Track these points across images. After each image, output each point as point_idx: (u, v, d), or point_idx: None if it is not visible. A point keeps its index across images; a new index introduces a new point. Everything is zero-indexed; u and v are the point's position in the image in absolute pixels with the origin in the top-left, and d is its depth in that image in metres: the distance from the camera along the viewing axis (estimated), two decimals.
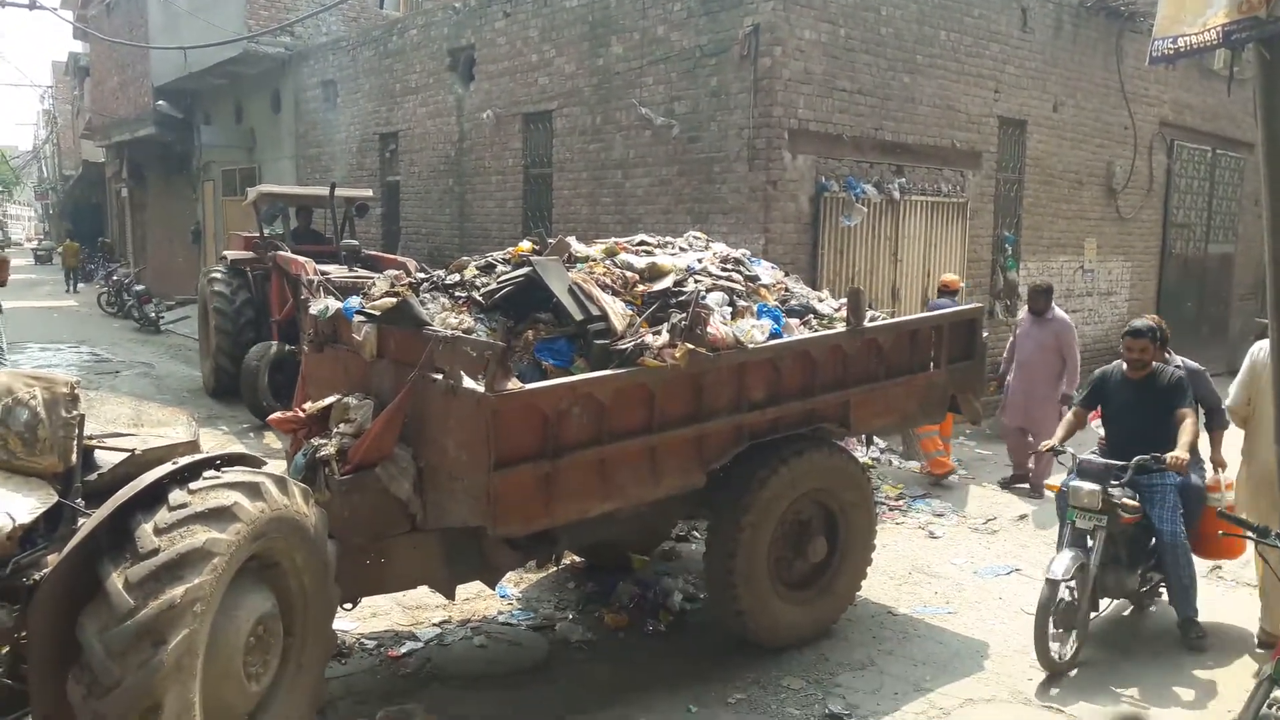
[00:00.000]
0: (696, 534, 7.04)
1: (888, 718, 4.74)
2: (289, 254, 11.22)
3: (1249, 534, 3.71)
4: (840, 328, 5.64)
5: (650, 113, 10.20)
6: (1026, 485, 8.72)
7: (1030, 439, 8.51)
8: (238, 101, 20.41)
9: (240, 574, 3.62)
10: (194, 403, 11.36)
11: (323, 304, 5.67)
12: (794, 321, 5.67)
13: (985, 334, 6.61)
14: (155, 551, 3.27)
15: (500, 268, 5.58)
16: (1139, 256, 13.95)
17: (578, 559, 6.50)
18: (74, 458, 3.71)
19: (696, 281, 5.47)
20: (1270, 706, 3.56)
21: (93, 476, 3.79)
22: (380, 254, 12.47)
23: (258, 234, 12.34)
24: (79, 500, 3.68)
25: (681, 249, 6.25)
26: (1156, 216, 14.11)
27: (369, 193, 13.62)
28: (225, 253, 13.06)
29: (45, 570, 3.36)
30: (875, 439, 8.20)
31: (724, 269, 5.91)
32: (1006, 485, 8.90)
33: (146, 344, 17.82)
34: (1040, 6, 11.60)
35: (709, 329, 4.99)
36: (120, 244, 30.97)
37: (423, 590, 5.60)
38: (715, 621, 5.54)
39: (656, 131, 10.18)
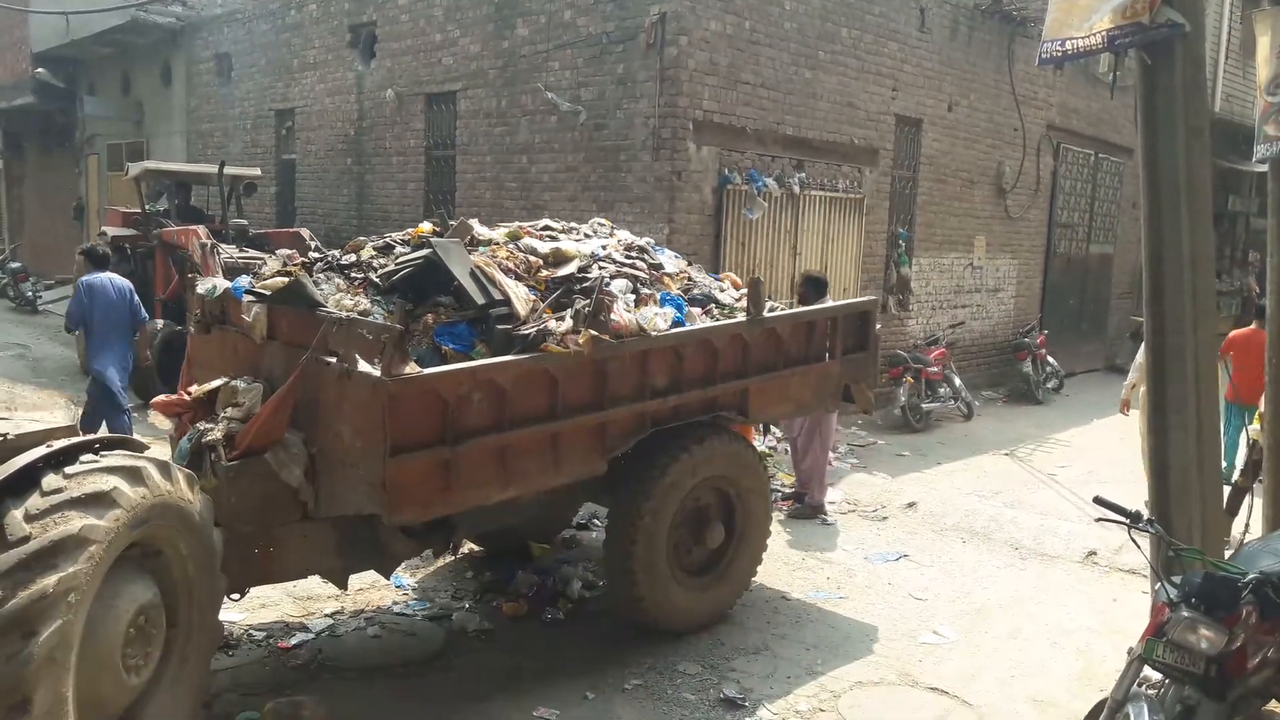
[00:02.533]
0: (597, 521, 7.05)
1: (780, 701, 4.83)
2: (174, 228, 10.85)
3: (1121, 519, 3.89)
4: (741, 317, 5.71)
5: (556, 98, 10.13)
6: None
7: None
8: (125, 72, 19.47)
9: (120, 562, 3.48)
10: (72, 386, 10.79)
11: (210, 283, 5.46)
12: (696, 310, 5.70)
13: (878, 327, 6.78)
14: (26, 539, 3.13)
15: (399, 249, 5.48)
16: (1025, 255, 14.50)
17: (476, 547, 6.43)
18: None
19: (601, 268, 5.46)
20: (1140, 685, 3.73)
21: None
22: (272, 230, 12.10)
23: (139, 210, 11.87)
24: None
25: (586, 235, 6.23)
26: (1042, 216, 14.68)
27: (257, 171, 13.31)
28: (104, 229, 12.50)
29: None
30: (772, 428, 8.32)
31: (628, 256, 5.91)
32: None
33: (22, 324, 16.91)
34: (938, 7, 11.92)
35: (613, 316, 4.98)
36: None
37: (314, 580, 5.47)
38: (614, 609, 5.55)
39: (563, 117, 10.12)
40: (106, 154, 19.64)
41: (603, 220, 6.91)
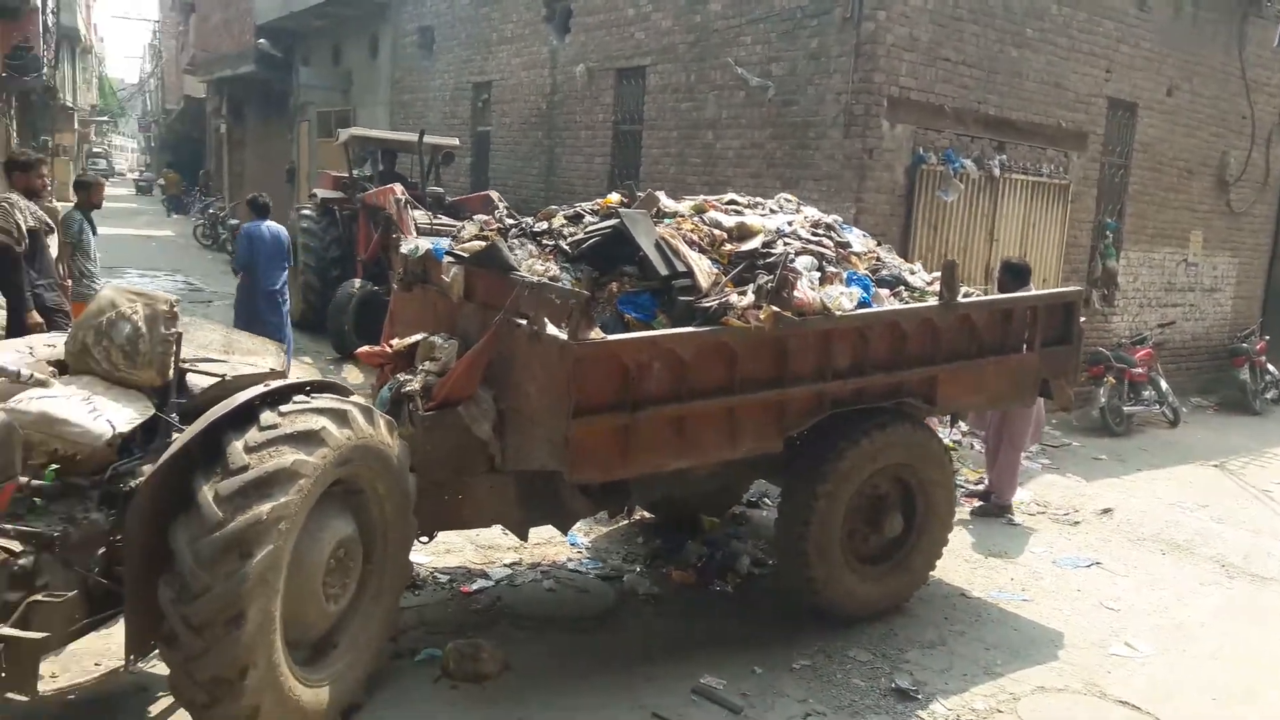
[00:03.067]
0: (768, 500, 6.99)
1: (955, 697, 4.66)
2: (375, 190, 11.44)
3: None
4: (932, 301, 5.50)
5: (746, 73, 10.02)
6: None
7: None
8: (337, 44, 20.66)
9: (324, 498, 3.70)
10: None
11: (413, 243, 5.72)
12: (884, 292, 5.53)
13: (1082, 319, 6.38)
14: (245, 468, 3.36)
15: (588, 218, 5.56)
16: (1248, 253, 13.33)
17: (648, 514, 6.51)
18: (171, 373, 3.82)
19: (785, 244, 5.37)
20: None
21: (184, 399, 3.90)
22: (465, 197, 12.52)
23: (347, 175, 12.55)
24: (174, 415, 3.79)
25: (771, 210, 6.15)
26: (1270, 212, 13.44)
27: (455, 141, 13.71)
28: (315, 191, 13.30)
29: (141, 479, 3.47)
30: (959, 421, 7.99)
31: (814, 233, 5.79)
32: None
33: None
34: None
35: (796, 293, 4.90)
36: (217, 179, 31.81)
37: (495, 531, 5.70)
38: (783, 589, 5.50)
39: (751, 93, 10.01)
40: (317, 121, 20.91)
41: (789, 196, 6.79)
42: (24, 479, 3.30)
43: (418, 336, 5.13)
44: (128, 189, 47.54)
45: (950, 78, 9.40)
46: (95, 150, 49.86)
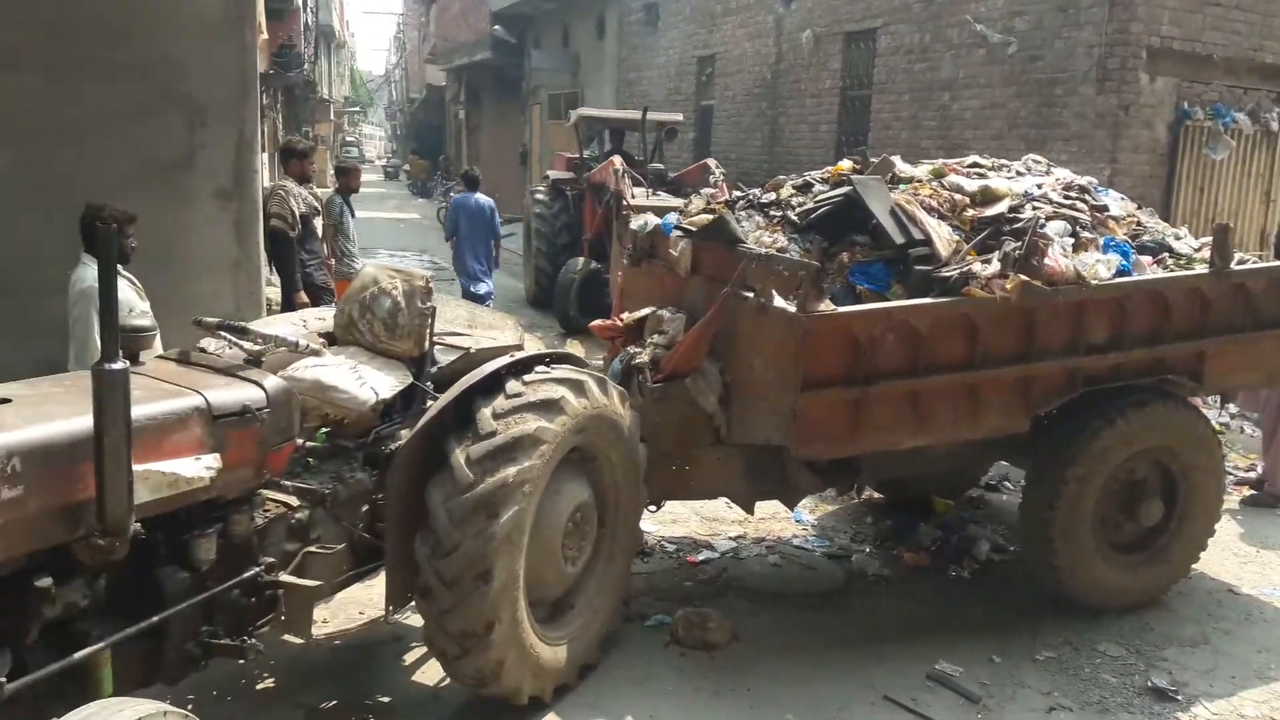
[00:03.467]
0: (1009, 484, 6.64)
1: (1222, 701, 4.26)
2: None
3: None
4: (1201, 269, 5.00)
5: (986, 29, 9.48)
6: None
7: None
8: (566, 26, 21.32)
9: (563, 464, 3.86)
10: (516, 311, 12.20)
11: (642, 219, 5.80)
12: (1145, 259, 5.08)
13: None
14: (493, 434, 3.54)
15: (817, 187, 5.44)
16: None
17: (877, 494, 6.35)
18: (427, 345, 4.07)
19: (1035, 208, 5.03)
20: None
21: (433, 370, 4.15)
22: (684, 171, 12.56)
23: (577, 155, 12.90)
24: (428, 384, 4.04)
25: (1019, 173, 5.79)
26: None
27: (679, 117, 13.73)
28: (548, 172, 13.79)
29: (400, 442, 3.73)
30: (1229, 402, 7.25)
31: (1067, 196, 5.40)
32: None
33: None
34: None
35: (1046, 260, 4.58)
36: (456, 163, 33.71)
37: (719, 504, 5.73)
38: (1025, 577, 5.21)
39: (992, 50, 9.47)
40: (547, 103, 21.70)
41: (1038, 158, 6.37)
42: (300, 440, 3.62)
43: (646, 310, 5.21)
44: (376, 175, 51.17)
45: (1220, 24, 8.50)
46: (348, 140, 53.99)
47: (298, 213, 7.29)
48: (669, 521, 5.85)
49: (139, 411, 2.69)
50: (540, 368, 3.89)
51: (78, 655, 2.68)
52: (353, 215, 8.68)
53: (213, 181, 6.10)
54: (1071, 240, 4.91)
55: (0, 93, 5.57)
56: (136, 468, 2.65)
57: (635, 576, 4.94)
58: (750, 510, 5.17)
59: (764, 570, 5.46)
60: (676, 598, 4.96)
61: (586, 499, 4.04)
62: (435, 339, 4.22)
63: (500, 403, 3.63)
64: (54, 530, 2.61)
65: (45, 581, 2.59)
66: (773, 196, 5.54)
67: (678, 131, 13.61)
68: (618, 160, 11.09)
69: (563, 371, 3.91)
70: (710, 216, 5.18)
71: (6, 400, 2.73)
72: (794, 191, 5.52)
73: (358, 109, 68.00)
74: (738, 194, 5.92)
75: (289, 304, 7.18)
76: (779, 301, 4.30)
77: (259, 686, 4.04)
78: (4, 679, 2.49)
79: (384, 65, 77.62)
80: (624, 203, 9.98)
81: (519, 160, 23.43)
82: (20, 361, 4.00)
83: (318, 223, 7.97)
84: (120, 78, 5.80)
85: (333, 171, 9.78)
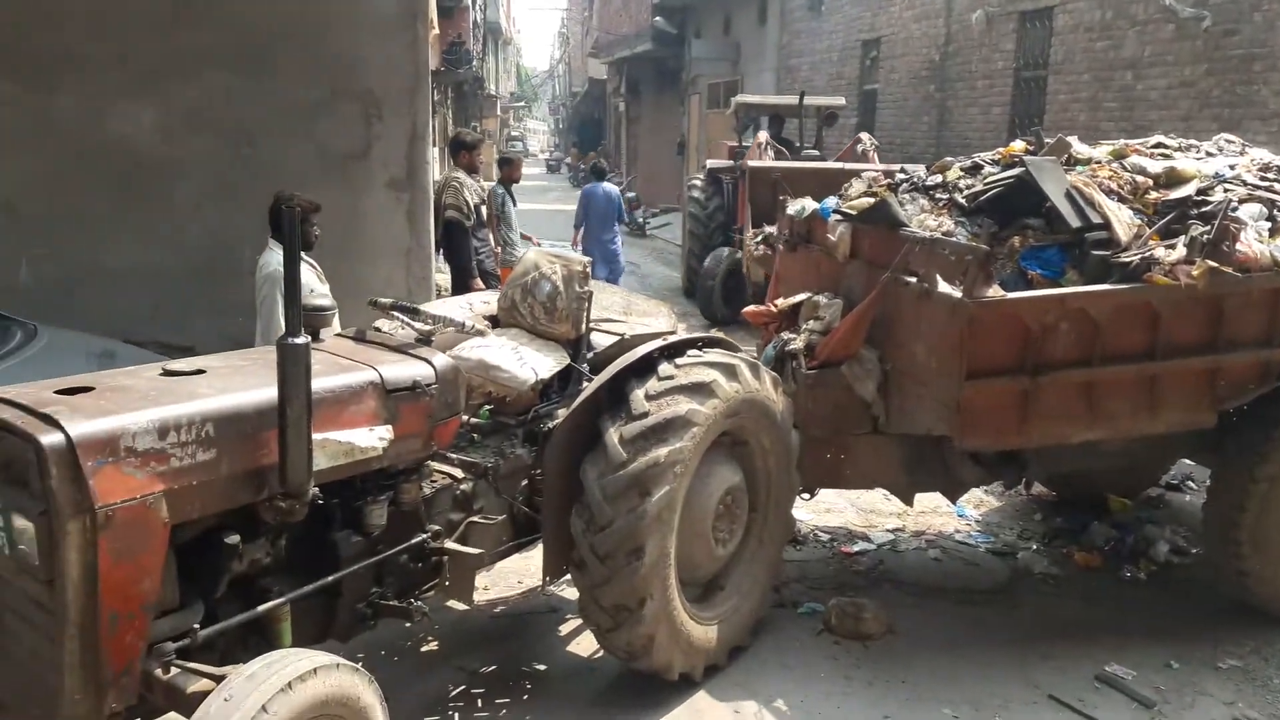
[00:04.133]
0: (1192, 484, 6.22)
1: None
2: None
3: None
4: None
5: (1176, 3, 8.85)
6: None
7: None
8: (726, 15, 21.26)
9: (714, 446, 3.88)
10: (670, 300, 12.29)
11: (799, 204, 5.73)
12: None
13: None
14: (645, 415, 3.59)
15: (987, 169, 5.22)
16: None
17: (1046, 490, 6.06)
18: (584, 327, 4.17)
19: (1226, 190, 4.68)
20: None
21: (589, 354, 4.24)
22: (840, 153, 12.17)
23: (737, 143, 12.84)
24: (584, 366, 4.14)
25: (1209, 154, 5.39)
26: None
27: (840, 101, 13.40)
28: (707, 161, 13.77)
29: (557, 420, 3.84)
30: None
31: (1264, 178, 4.99)
32: None
33: (634, 246, 19.53)
34: None
35: (1239, 246, 4.27)
36: (615, 154, 34.20)
37: (876, 496, 5.62)
38: (1208, 582, 4.88)
39: (1182, 25, 8.84)
40: (706, 93, 21.69)
41: (1231, 137, 5.92)
42: (465, 416, 3.78)
43: (802, 296, 5.15)
44: (539, 168, 52.49)
45: None
46: (513, 134, 55.62)
47: (471, 204, 7.57)
48: (823, 511, 5.77)
49: (318, 384, 2.86)
50: (693, 351, 3.92)
51: (261, 608, 2.89)
52: (515, 204, 8.93)
53: (387, 172, 6.42)
54: (1267, 224, 4.55)
55: (197, 88, 6.03)
56: (316, 436, 2.83)
57: (788, 564, 4.91)
58: (909, 502, 5.05)
59: (923, 564, 5.31)
60: (830, 587, 4.90)
61: (737, 483, 4.04)
62: (592, 325, 4.31)
63: (653, 384, 3.68)
64: (241, 492, 2.81)
65: (234, 539, 2.80)
66: (939, 179, 5.36)
67: (838, 116, 13.28)
68: (763, 135, 11.03)
69: (715, 355, 3.93)
70: (871, 200, 5.06)
71: (201, 371, 2.97)
72: (961, 174, 5.32)
73: (523, 104, 69.88)
74: (901, 176, 5.76)
75: (463, 289, 7.47)
76: (944, 287, 4.17)
77: (423, 649, 4.25)
78: (198, 625, 2.72)
79: (548, 61, 79.59)
80: (747, 167, 10.22)
81: (676, 151, 23.54)
82: (213, 337, 4.33)
83: (483, 211, 8.26)
84: (303, 74, 6.18)
85: (496, 163, 10.13)
